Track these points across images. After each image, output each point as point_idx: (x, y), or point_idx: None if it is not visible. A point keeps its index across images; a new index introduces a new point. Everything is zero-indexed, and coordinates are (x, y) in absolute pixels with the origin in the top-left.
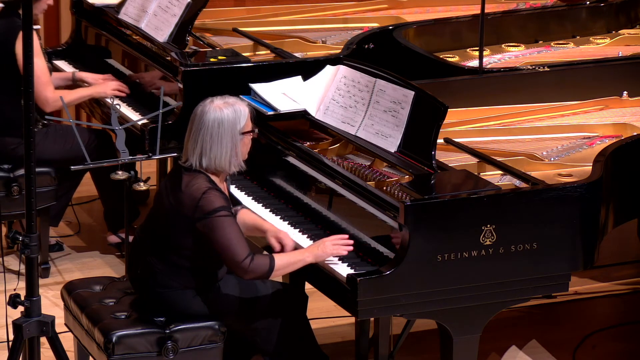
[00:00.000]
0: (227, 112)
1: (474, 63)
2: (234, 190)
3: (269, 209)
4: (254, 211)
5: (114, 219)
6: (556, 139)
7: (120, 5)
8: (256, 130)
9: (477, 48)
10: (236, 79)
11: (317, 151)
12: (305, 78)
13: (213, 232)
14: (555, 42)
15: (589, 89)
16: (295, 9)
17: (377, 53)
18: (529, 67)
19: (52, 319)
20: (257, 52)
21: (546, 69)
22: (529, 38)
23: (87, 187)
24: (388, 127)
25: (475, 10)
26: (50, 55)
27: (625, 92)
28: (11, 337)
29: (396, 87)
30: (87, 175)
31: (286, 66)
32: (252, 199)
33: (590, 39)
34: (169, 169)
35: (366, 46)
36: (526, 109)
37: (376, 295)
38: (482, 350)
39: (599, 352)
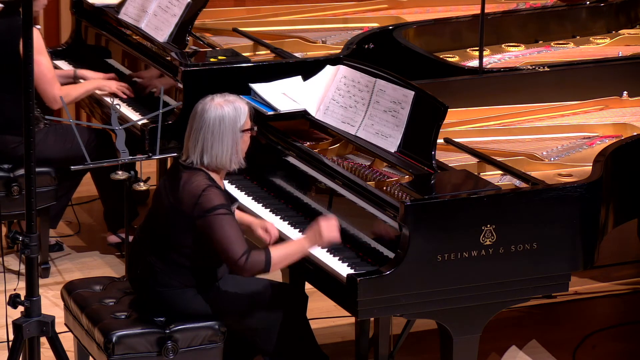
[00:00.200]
0: (227, 109)
1: (474, 63)
2: (234, 190)
3: (269, 209)
4: (254, 211)
5: (114, 219)
6: (556, 139)
7: (120, 5)
8: (255, 128)
9: (477, 48)
10: (236, 79)
11: (317, 151)
12: (305, 78)
13: (211, 230)
14: (555, 42)
15: (589, 89)
16: (295, 9)
17: (377, 53)
18: (529, 67)
19: (52, 319)
20: (257, 52)
21: (546, 69)
22: (529, 38)
23: (87, 187)
24: (388, 127)
25: (475, 10)
26: (51, 55)
27: (625, 92)
28: (11, 337)
29: (396, 87)
30: (87, 175)
31: (286, 66)
32: (252, 199)
33: (590, 39)
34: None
35: (366, 46)
36: (526, 109)
37: (376, 295)
38: (482, 350)
39: (599, 352)
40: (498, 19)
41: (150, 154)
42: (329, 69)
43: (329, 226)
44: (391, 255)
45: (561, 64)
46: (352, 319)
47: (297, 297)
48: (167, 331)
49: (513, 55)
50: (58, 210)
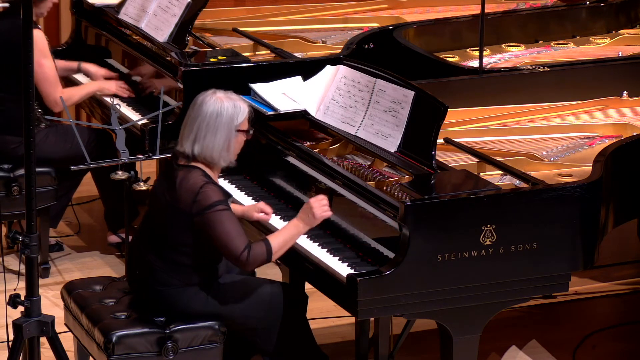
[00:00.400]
0: (227, 105)
1: (474, 63)
2: (234, 190)
3: None
4: None
5: (115, 219)
6: (556, 139)
7: (120, 5)
8: (251, 132)
9: (477, 48)
10: (236, 79)
11: (317, 151)
12: (305, 78)
13: (211, 227)
14: (555, 42)
15: (589, 89)
16: (295, 9)
17: (377, 53)
18: (529, 67)
19: (52, 319)
20: (257, 52)
21: (546, 69)
22: (529, 38)
23: (87, 187)
24: (388, 127)
25: (475, 10)
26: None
27: (625, 92)
28: (11, 337)
29: (396, 87)
30: (87, 175)
31: (286, 66)
32: (252, 199)
33: (590, 39)
34: None
35: (366, 46)
36: (526, 109)
37: (376, 295)
38: (482, 350)
39: (599, 352)
40: (498, 19)
41: (150, 154)
42: (329, 69)
43: (319, 204)
44: (391, 255)
45: (561, 64)
46: (352, 319)
47: (297, 297)
48: (167, 331)
49: (513, 55)
50: (58, 210)
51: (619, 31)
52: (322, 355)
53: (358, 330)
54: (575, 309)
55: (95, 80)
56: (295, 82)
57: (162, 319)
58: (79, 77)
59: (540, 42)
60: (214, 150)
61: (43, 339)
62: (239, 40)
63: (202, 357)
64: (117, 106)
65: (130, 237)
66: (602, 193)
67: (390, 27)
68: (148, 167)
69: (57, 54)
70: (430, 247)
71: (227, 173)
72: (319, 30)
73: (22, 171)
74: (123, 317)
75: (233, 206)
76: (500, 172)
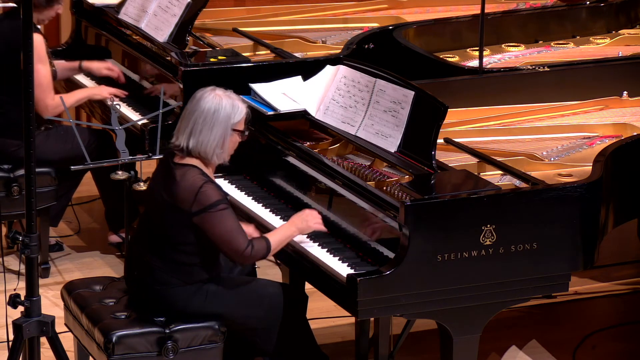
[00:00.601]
0: (225, 102)
1: (474, 63)
2: (234, 190)
3: (269, 209)
4: (254, 211)
5: (115, 219)
6: (556, 139)
7: (120, 5)
8: (246, 133)
9: (477, 48)
10: (236, 79)
11: (317, 151)
12: (305, 78)
13: (214, 226)
14: (555, 42)
15: (589, 89)
16: (295, 9)
17: (377, 53)
18: (529, 67)
19: (52, 319)
20: (257, 52)
21: (546, 69)
22: (529, 38)
23: (87, 187)
24: (388, 127)
25: (475, 10)
26: (50, 55)
27: (625, 92)
28: (11, 337)
29: (396, 87)
30: (87, 175)
31: (286, 66)
32: (252, 199)
33: (590, 39)
34: None
35: (366, 46)
36: (526, 109)
37: (376, 295)
38: (482, 350)
39: (599, 352)
40: (498, 19)
41: (150, 154)
42: (329, 69)
43: (314, 215)
44: (391, 255)
45: (561, 64)
46: (352, 319)
47: (297, 297)
48: (167, 331)
49: (513, 55)
50: (58, 210)
51: (619, 31)
52: (322, 355)
53: (358, 330)
54: (575, 309)
55: (97, 77)
56: (295, 82)
57: (162, 319)
58: (80, 77)
59: (540, 42)
60: (209, 145)
61: (43, 339)
62: (239, 40)
63: (202, 357)
64: (117, 106)
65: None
66: (602, 193)
67: (390, 27)
68: (148, 167)
69: (57, 54)
70: (430, 247)
71: (227, 173)
72: (319, 30)
73: (22, 171)
74: (123, 317)
75: None
76: (500, 172)
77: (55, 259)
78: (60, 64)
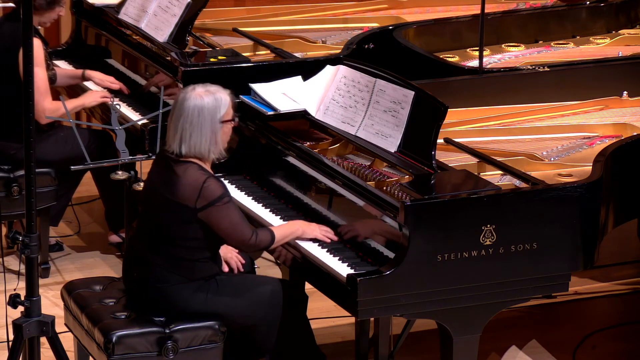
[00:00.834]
0: (207, 100)
1: (474, 63)
2: (234, 190)
3: (269, 209)
4: (254, 211)
5: (115, 219)
6: (556, 139)
7: (120, 5)
8: (237, 119)
9: (477, 48)
10: (236, 79)
11: (317, 151)
12: (305, 78)
13: (220, 220)
14: (555, 42)
15: (589, 89)
16: (295, 9)
17: (377, 53)
18: (529, 67)
19: (52, 319)
20: (257, 52)
21: (546, 69)
22: (529, 38)
23: (87, 187)
24: (388, 127)
25: (475, 10)
26: (51, 55)
27: (625, 92)
28: (11, 337)
29: (396, 87)
30: (87, 175)
31: (286, 66)
32: (252, 199)
33: (590, 39)
34: None
35: (366, 46)
36: (526, 109)
37: (376, 295)
38: (482, 350)
39: (599, 352)
40: (498, 19)
41: (150, 154)
42: (329, 69)
43: (324, 228)
44: (391, 255)
45: (561, 64)
46: (352, 319)
47: (297, 297)
48: (167, 331)
49: (513, 55)
50: (58, 210)
51: (619, 31)
52: (320, 355)
53: (358, 330)
54: (575, 309)
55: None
56: (295, 82)
57: (162, 319)
58: (88, 84)
59: (540, 42)
60: (202, 147)
61: (43, 339)
62: (239, 40)
63: (202, 357)
64: (117, 106)
65: None
66: (602, 193)
67: (390, 27)
68: (148, 167)
69: (57, 54)
70: (430, 247)
71: (227, 173)
72: (319, 30)
73: (22, 171)
74: (123, 317)
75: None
76: (500, 172)
77: (55, 259)
78: (63, 70)
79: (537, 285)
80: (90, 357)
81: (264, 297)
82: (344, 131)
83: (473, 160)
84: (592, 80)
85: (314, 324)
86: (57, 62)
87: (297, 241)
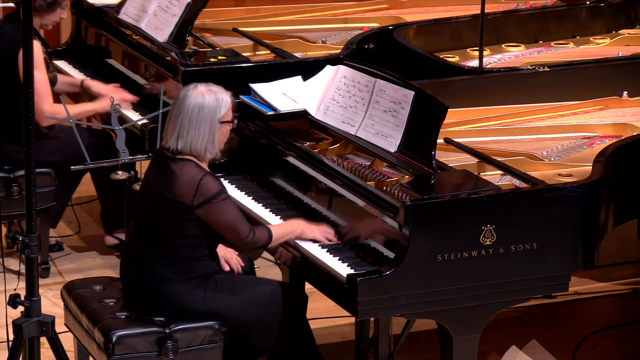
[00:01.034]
0: (208, 98)
1: (474, 63)
2: (234, 190)
3: (269, 209)
4: (254, 211)
5: (111, 220)
6: (556, 139)
7: (120, 5)
8: (235, 121)
9: (477, 48)
10: (236, 79)
11: (317, 151)
12: (305, 78)
13: (218, 216)
14: (555, 42)
15: (589, 89)
16: (295, 9)
17: (377, 53)
18: (529, 67)
19: (52, 319)
20: (257, 52)
21: (546, 69)
22: (529, 38)
23: (87, 187)
24: (388, 127)
25: (475, 10)
26: (51, 55)
27: (625, 92)
28: (11, 337)
29: (396, 87)
30: (87, 175)
31: (286, 66)
32: (252, 199)
33: (590, 39)
34: None
35: (366, 46)
36: (526, 109)
37: (376, 295)
38: (482, 350)
39: (599, 352)
40: (498, 19)
41: (150, 154)
42: (329, 69)
43: (328, 230)
44: (391, 255)
45: (561, 64)
46: (352, 319)
47: (297, 297)
48: (167, 331)
49: (513, 55)
50: (58, 210)
51: (619, 31)
52: (319, 356)
53: (358, 330)
54: (575, 309)
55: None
56: (295, 82)
57: (162, 319)
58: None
59: (540, 42)
60: (198, 144)
61: (43, 339)
62: (239, 40)
63: (202, 357)
64: (117, 106)
65: None
66: (602, 193)
67: (390, 27)
68: None
69: (57, 54)
70: (430, 247)
71: (227, 173)
72: (319, 30)
73: (22, 172)
74: (123, 317)
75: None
76: (500, 172)
77: (55, 259)
78: (62, 77)
79: (537, 285)
80: (90, 357)
81: (263, 297)
82: (344, 131)
83: (473, 160)
84: (592, 80)
85: (314, 324)
86: (57, 62)
87: (297, 241)
